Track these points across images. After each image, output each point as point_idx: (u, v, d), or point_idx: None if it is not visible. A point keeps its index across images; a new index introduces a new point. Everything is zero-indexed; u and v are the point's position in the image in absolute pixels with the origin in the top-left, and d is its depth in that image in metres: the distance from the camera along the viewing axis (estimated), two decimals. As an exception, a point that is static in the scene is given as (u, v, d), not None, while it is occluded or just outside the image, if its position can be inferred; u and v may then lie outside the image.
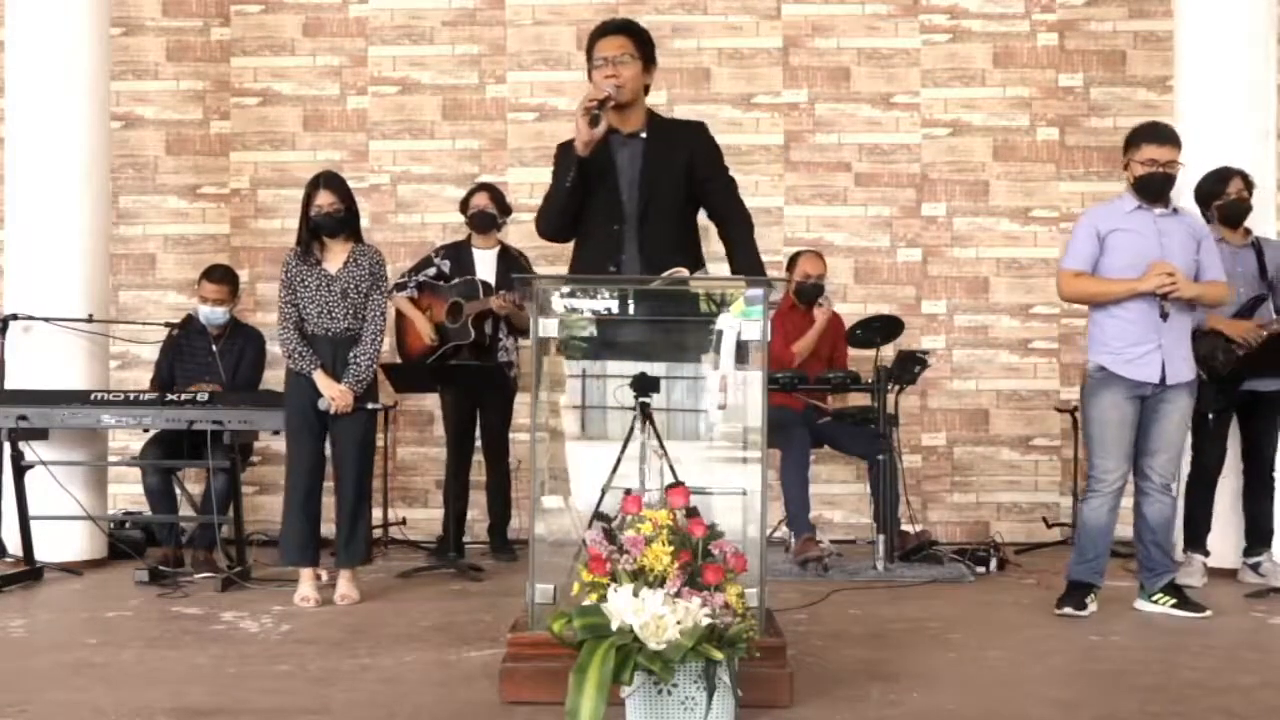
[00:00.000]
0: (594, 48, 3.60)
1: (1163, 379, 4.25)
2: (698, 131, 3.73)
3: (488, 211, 5.83)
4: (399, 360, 5.86)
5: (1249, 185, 4.99)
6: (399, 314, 5.84)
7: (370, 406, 4.65)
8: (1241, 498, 5.08)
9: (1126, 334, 4.27)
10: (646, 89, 3.66)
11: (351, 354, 4.59)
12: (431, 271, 5.83)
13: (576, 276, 3.53)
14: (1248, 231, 5.04)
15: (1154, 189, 4.29)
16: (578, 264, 3.65)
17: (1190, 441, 4.98)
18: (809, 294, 5.80)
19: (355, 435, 4.61)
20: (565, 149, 3.64)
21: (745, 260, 3.56)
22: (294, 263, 4.64)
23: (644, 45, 3.61)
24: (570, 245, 3.73)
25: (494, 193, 5.91)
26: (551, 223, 3.68)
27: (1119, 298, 4.27)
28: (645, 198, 3.57)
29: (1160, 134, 4.31)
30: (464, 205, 5.95)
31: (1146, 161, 4.27)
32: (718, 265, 3.74)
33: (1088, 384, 4.39)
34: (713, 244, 3.74)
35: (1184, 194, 5.05)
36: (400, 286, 5.81)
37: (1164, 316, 4.21)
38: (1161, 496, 4.34)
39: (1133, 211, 4.33)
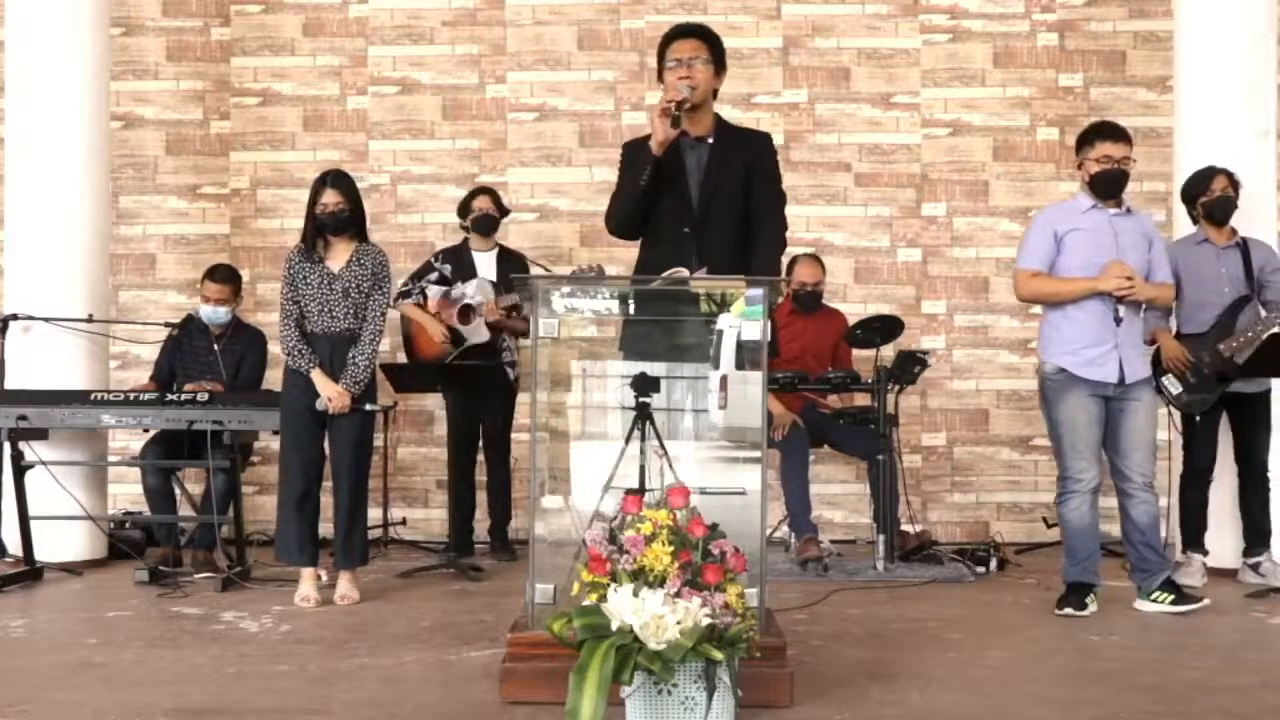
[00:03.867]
0: (667, 49, 3.65)
1: (1121, 378, 4.26)
2: (761, 141, 3.77)
3: (491, 215, 5.85)
4: (407, 363, 5.86)
5: (1234, 184, 5.01)
6: (404, 319, 5.85)
7: (368, 408, 4.64)
8: (1238, 499, 5.09)
9: (1083, 335, 4.28)
10: (715, 93, 3.70)
11: (350, 354, 4.59)
12: (433, 276, 5.83)
13: (575, 277, 3.53)
14: (1233, 232, 5.05)
15: (1110, 185, 4.31)
16: (647, 264, 3.66)
17: (1181, 442, 5.01)
18: (806, 301, 5.80)
19: (352, 436, 4.60)
20: (635, 149, 3.68)
21: (756, 272, 3.57)
22: (297, 260, 4.64)
23: (716, 50, 3.67)
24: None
25: (494, 195, 5.93)
26: (623, 221, 3.70)
27: (1077, 297, 4.28)
28: (709, 202, 3.61)
29: (1114, 131, 4.34)
30: (463, 208, 5.95)
31: (1102, 158, 4.29)
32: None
33: (1048, 387, 4.39)
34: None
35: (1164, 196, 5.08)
36: (405, 294, 5.82)
37: (1117, 321, 4.24)
38: (1145, 495, 4.34)
39: (1088, 211, 4.36)
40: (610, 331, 3.63)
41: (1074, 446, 4.32)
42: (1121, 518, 4.41)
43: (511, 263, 5.78)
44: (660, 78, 3.68)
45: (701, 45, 3.63)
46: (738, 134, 3.77)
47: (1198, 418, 4.96)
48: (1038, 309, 6.47)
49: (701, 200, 3.61)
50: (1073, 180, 6.53)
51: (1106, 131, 4.34)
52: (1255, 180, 5.24)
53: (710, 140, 3.67)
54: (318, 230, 4.62)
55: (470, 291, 5.70)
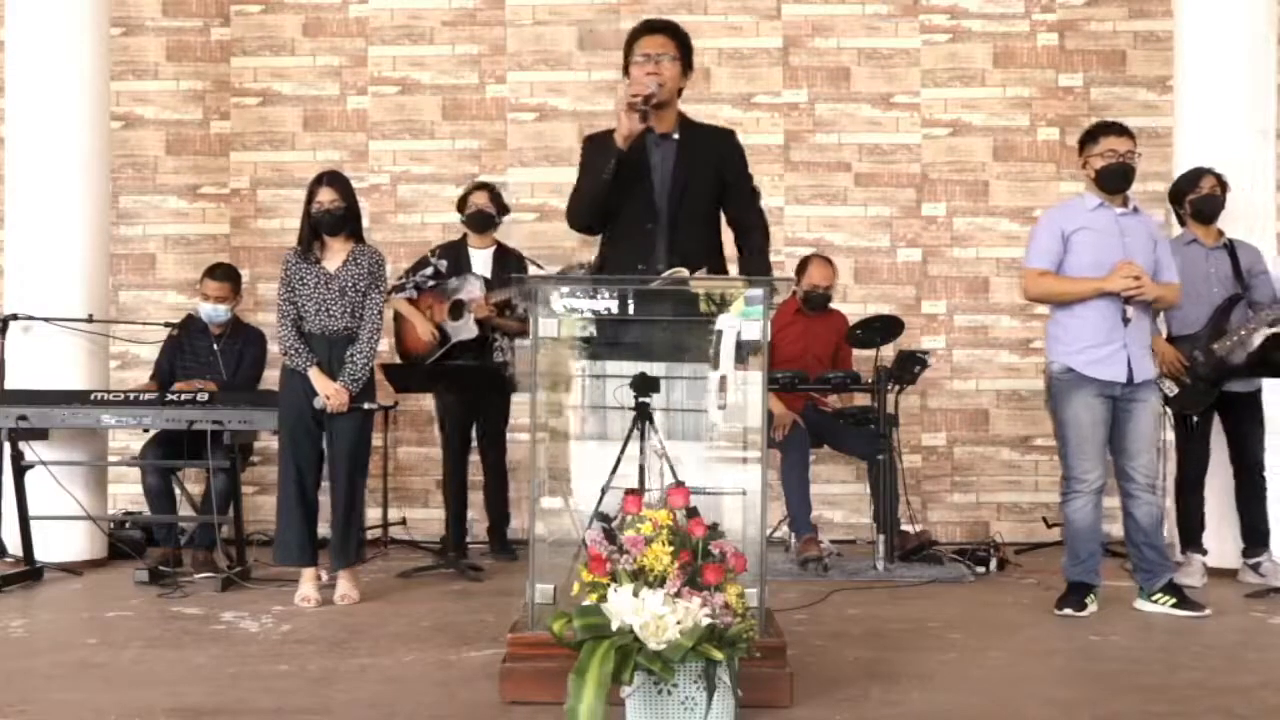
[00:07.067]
0: (635, 44, 3.61)
1: (1130, 377, 4.26)
2: (728, 138, 3.76)
3: (486, 211, 5.81)
4: (398, 361, 5.85)
5: (1222, 184, 5.02)
6: (397, 315, 5.83)
7: (366, 406, 4.64)
8: (1235, 500, 5.09)
9: (1091, 334, 4.28)
10: (680, 92, 3.67)
11: (348, 353, 4.59)
12: (429, 271, 5.81)
13: (576, 277, 3.54)
14: (1220, 233, 5.06)
15: (1116, 178, 4.31)
16: (610, 262, 3.65)
17: (1175, 444, 5.01)
18: (817, 303, 5.80)
19: (350, 436, 4.60)
20: (598, 141, 3.63)
21: (754, 271, 3.58)
22: (293, 260, 4.65)
23: (685, 48, 3.64)
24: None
25: (493, 192, 5.89)
26: (585, 216, 3.68)
27: (1085, 297, 4.28)
28: (678, 199, 3.59)
29: (1117, 127, 4.37)
30: (461, 204, 5.93)
31: (1106, 153, 4.31)
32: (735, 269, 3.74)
33: (1055, 386, 4.39)
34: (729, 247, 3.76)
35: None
36: (398, 289, 5.80)
37: (1125, 321, 4.24)
38: (1148, 496, 4.33)
39: (1095, 210, 4.36)
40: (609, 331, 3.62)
41: (1079, 447, 4.31)
42: (1124, 518, 4.41)
43: (509, 261, 5.75)
44: (626, 71, 3.63)
45: (670, 42, 3.60)
46: (704, 131, 3.74)
47: (1194, 419, 4.96)
48: (1041, 309, 6.54)
49: (671, 198, 3.59)
50: (1073, 180, 6.57)
51: (1110, 127, 4.36)
52: (1255, 180, 5.25)
53: (676, 137, 3.64)
54: (314, 229, 4.63)
55: (462, 285, 5.67)
